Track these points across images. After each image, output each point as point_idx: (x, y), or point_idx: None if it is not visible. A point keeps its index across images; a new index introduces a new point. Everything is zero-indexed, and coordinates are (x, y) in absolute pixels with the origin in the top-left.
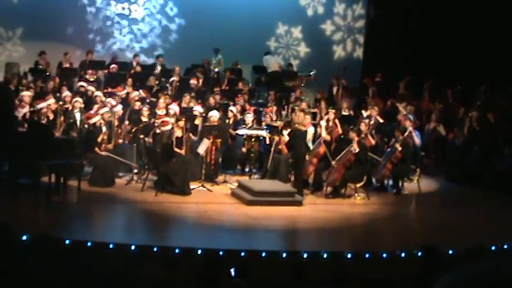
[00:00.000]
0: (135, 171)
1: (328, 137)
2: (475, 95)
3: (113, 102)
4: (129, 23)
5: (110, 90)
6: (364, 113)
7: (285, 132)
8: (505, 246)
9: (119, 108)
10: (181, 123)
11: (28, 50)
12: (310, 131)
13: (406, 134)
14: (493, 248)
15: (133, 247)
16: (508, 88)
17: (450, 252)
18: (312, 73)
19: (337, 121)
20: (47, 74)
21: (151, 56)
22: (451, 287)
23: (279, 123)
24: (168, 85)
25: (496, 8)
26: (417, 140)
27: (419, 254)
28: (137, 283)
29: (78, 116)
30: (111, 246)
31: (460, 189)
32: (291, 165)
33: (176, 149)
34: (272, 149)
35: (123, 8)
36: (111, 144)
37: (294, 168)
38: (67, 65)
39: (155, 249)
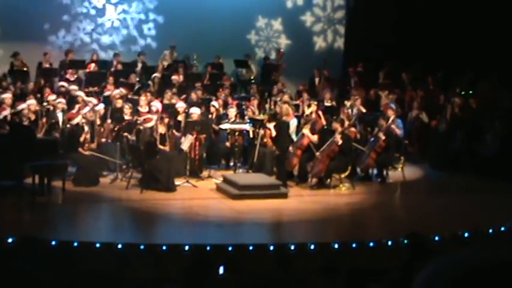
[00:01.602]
0: (119, 168)
1: (310, 136)
2: (456, 82)
3: (95, 101)
4: (102, 18)
5: (91, 89)
6: (347, 103)
7: (271, 125)
8: (490, 231)
9: (100, 107)
10: (166, 120)
11: (5, 51)
12: (293, 123)
13: (389, 122)
14: (489, 231)
15: (120, 246)
16: (490, 74)
17: (436, 238)
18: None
19: (320, 112)
20: (26, 74)
21: (131, 53)
22: (435, 275)
23: (262, 117)
24: (149, 82)
25: None
26: (398, 131)
27: (405, 242)
28: (125, 282)
29: (60, 116)
30: (97, 245)
31: (444, 176)
32: (276, 157)
33: (160, 146)
34: (257, 142)
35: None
36: (94, 144)
37: (277, 160)
38: (47, 65)
39: (142, 247)
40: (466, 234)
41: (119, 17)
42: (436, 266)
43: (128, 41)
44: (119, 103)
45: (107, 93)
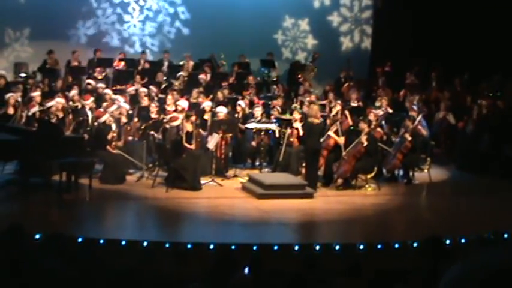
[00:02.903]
0: (146, 168)
1: (336, 137)
2: (483, 83)
3: (122, 99)
4: (134, 16)
5: (118, 87)
6: (374, 104)
7: (298, 125)
8: None
9: (127, 106)
10: (193, 118)
11: (36, 49)
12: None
13: (415, 123)
14: (506, 235)
15: (145, 243)
16: None
17: (462, 241)
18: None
19: (347, 113)
20: (55, 72)
21: (160, 52)
22: (462, 276)
23: (288, 116)
24: (175, 81)
25: None
26: (424, 131)
27: (421, 245)
28: (150, 279)
29: (89, 114)
30: (123, 243)
31: (471, 178)
32: (304, 158)
33: (186, 145)
34: (283, 142)
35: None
36: (121, 142)
37: (308, 161)
38: (75, 64)
39: (167, 245)
40: (491, 237)
41: (146, 15)
42: (464, 267)
43: (155, 38)
44: (145, 101)
45: (130, 89)
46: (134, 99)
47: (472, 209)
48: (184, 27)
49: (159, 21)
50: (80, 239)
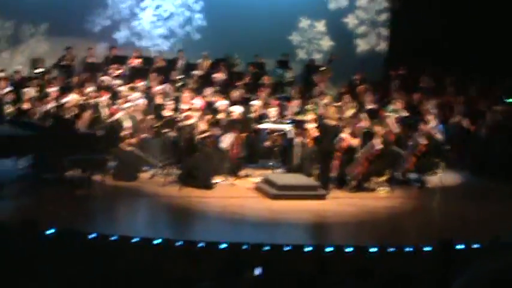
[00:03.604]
0: (160, 165)
1: (350, 139)
2: (498, 88)
3: (137, 96)
4: (154, 16)
5: (131, 85)
6: (389, 107)
7: (312, 126)
8: None
9: (142, 102)
10: (208, 117)
11: (52, 45)
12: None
13: (429, 127)
14: None
15: (157, 241)
16: None
17: (474, 246)
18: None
19: (362, 115)
20: (71, 68)
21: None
22: (473, 281)
23: (303, 117)
24: (190, 79)
25: None
26: (439, 135)
27: (433, 248)
28: (161, 277)
29: (104, 111)
30: (135, 240)
31: (484, 183)
32: (318, 159)
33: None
34: (296, 143)
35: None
36: (134, 139)
37: (321, 162)
38: (91, 60)
39: (179, 243)
40: (502, 242)
41: (162, 14)
42: (475, 272)
43: (169, 37)
44: (160, 99)
45: (138, 84)
46: (149, 97)
47: (485, 214)
48: (199, 27)
49: (175, 21)
50: (92, 235)
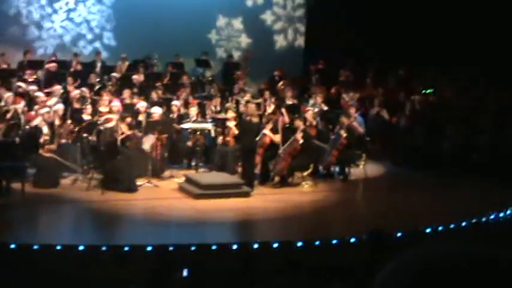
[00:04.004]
0: (80, 170)
1: (272, 135)
2: (416, 79)
3: (54, 101)
4: (66, 17)
5: (48, 90)
6: (309, 101)
7: (232, 124)
8: (451, 227)
9: (60, 107)
10: (128, 119)
11: None
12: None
13: (350, 120)
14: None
15: (81, 247)
16: (451, 71)
17: (398, 235)
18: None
19: (283, 110)
20: None
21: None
22: (396, 274)
23: (224, 115)
24: (109, 82)
25: None
26: (360, 129)
27: (367, 239)
28: (87, 284)
29: (21, 117)
30: (58, 248)
31: (406, 173)
32: (241, 157)
33: (121, 146)
34: (220, 141)
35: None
36: (54, 145)
37: (244, 160)
38: (4, 66)
39: (104, 248)
40: (427, 230)
41: (75, 19)
42: (397, 264)
43: (85, 39)
44: (78, 103)
45: (55, 87)
46: (67, 101)
47: (408, 203)
48: (116, 29)
49: (91, 24)
50: (12, 246)
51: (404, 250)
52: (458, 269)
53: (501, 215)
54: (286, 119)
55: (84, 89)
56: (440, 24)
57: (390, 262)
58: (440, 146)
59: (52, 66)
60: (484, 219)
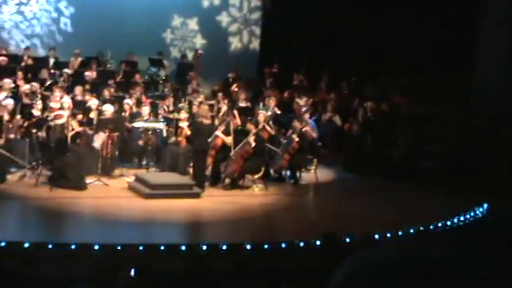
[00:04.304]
0: (28, 166)
1: (224, 136)
2: (369, 87)
3: (3, 96)
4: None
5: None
6: (262, 104)
7: (185, 125)
8: (400, 233)
9: (9, 102)
10: (79, 116)
11: None
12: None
13: (303, 124)
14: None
15: (27, 245)
16: (402, 81)
17: (348, 240)
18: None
19: (235, 112)
20: None
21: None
22: (348, 276)
23: (176, 116)
24: (61, 78)
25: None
26: (313, 134)
27: (319, 242)
28: (32, 282)
29: None
30: (2, 244)
31: (356, 178)
32: (192, 157)
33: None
34: (171, 141)
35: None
36: (1, 140)
37: (195, 161)
38: None
39: (50, 246)
40: (376, 236)
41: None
42: (348, 267)
43: (39, 35)
44: (28, 99)
45: (3, 82)
46: (16, 96)
47: (358, 209)
48: (69, 25)
49: (44, 19)
50: None
51: (353, 254)
52: (406, 271)
53: (448, 223)
54: (239, 121)
55: (34, 84)
56: (394, 32)
57: (340, 266)
58: (391, 153)
59: (1, 59)
60: (432, 227)
